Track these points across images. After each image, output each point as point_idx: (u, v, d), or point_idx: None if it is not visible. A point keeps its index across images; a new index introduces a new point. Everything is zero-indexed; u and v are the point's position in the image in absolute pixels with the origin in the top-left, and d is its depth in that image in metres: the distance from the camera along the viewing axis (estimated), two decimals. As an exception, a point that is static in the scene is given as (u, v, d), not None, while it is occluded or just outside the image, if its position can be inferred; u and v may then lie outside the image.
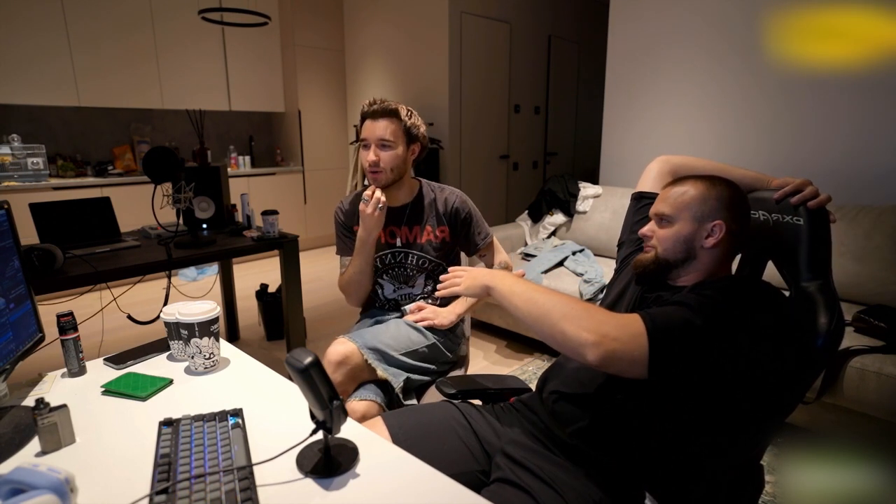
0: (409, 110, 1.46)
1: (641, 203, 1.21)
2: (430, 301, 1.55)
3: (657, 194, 1.15)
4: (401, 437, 1.02)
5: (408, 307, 1.52)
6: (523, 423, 1.06)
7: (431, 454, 0.96)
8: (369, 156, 1.43)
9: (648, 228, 1.02)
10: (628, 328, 0.77)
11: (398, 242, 1.53)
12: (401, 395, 1.33)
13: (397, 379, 1.34)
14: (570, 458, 0.94)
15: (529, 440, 1.00)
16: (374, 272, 1.55)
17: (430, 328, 1.46)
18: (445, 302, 1.56)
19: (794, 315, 0.84)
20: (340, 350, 1.33)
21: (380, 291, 1.58)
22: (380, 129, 1.41)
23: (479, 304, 1.57)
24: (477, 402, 1.19)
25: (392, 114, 1.42)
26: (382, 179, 1.44)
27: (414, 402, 1.38)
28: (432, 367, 1.45)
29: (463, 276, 1.03)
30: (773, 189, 1.03)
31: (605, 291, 1.19)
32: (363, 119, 1.45)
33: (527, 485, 0.90)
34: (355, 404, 1.31)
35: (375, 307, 1.60)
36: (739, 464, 0.92)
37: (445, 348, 1.48)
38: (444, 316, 1.49)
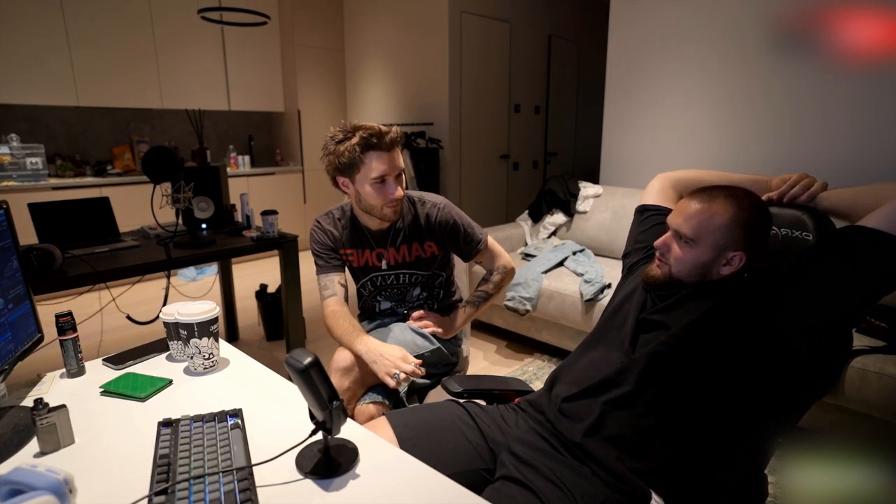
0: None
1: (646, 214, 1.21)
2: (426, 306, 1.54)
3: (662, 207, 1.16)
4: (406, 436, 1.02)
5: (413, 314, 1.50)
6: (529, 422, 1.05)
7: (436, 452, 0.96)
8: (398, 191, 1.31)
9: (664, 242, 0.99)
10: None
11: (384, 265, 1.47)
12: (405, 399, 1.33)
13: (403, 383, 1.33)
14: (576, 457, 0.94)
15: (535, 439, 1.00)
16: (368, 294, 1.54)
17: (434, 333, 1.45)
18: (445, 309, 1.55)
19: None
20: (348, 356, 1.33)
21: (377, 306, 1.57)
22: (398, 159, 1.31)
23: (479, 313, 1.55)
24: (481, 402, 1.19)
25: (401, 139, 1.32)
26: (399, 210, 1.38)
27: (416, 404, 1.38)
28: (434, 370, 1.45)
29: None
30: (782, 203, 1.03)
31: (612, 293, 1.19)
32: (369, 148, 1.27)
33: (532, 483, 0.90)
34: (365, 407, 1.31)
35: (375, 313, 1.59)
36: (746, 468, 0.92)
37: (448, 351, 1.48)
38: (447, 324, 1.48)
